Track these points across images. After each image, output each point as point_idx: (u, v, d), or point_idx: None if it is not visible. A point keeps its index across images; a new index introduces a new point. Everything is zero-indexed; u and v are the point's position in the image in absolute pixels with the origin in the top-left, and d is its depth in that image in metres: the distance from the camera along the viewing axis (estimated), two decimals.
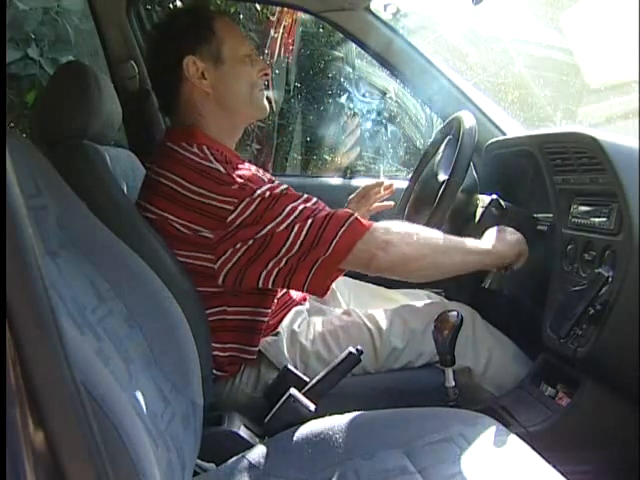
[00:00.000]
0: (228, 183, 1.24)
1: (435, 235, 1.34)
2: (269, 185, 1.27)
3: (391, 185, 1.73)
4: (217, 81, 1.37)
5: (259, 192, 1.24)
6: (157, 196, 1.29)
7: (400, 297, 1.72)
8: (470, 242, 1.37)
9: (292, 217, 1.24)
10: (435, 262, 1.32)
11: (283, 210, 1.24)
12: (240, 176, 1.25)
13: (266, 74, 1.43)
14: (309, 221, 1.24)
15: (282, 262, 1.25)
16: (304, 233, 1.23)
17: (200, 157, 1.27)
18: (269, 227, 1.23)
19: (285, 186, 1.29)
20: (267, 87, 1.47)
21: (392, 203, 1.73)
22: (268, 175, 1.40)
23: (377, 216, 1.71)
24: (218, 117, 1.39)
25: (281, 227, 1.23)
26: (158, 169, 1.31)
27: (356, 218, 1.28)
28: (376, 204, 1.73)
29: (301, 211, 1.25)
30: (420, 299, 1.67)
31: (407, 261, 1.30)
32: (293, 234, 1.23)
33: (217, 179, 1.25)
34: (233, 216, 1.23)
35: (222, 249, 1.25)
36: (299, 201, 1.27)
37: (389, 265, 1.28)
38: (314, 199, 1.31)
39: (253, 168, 1.35)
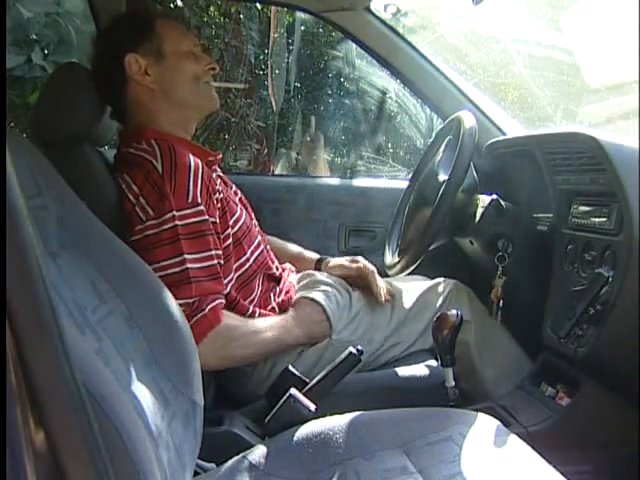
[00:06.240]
0: (158, 187, 1.22)
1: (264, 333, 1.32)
2: (184, 212, 1.22)
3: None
4: (161, 76, 1.35)
5: (167, 217, 1.21)
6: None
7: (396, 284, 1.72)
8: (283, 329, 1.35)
9: (171, 265, 1.20)
10: (259, 355, 1.34)
11: (170, 257, 1.20)
12: (172, 182, 1.23)
13: (213, 68, 1.42)
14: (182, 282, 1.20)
15: None
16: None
17: (147, 152, 1.27)
18: (155, 265, 1.18)
19: (198, 220, 1.24)
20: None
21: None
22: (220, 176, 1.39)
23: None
24: (168, 111, 1.38)
25: (162, 272, 1.19)
26: (118, 173, 1.32)
27: (208, 312, 1.21)
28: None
29: (182, 271, 1.20)
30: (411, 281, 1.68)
31: (236, 362, 1.33)
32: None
33: (154, 182, 1.23)
34: (139, 227, 1.23)
35: None
36: (191, 255, 1.22)
37: (221, 363, 1.29)
38: (208, 262, 1.23)
39: (193, 170, 1.26)
